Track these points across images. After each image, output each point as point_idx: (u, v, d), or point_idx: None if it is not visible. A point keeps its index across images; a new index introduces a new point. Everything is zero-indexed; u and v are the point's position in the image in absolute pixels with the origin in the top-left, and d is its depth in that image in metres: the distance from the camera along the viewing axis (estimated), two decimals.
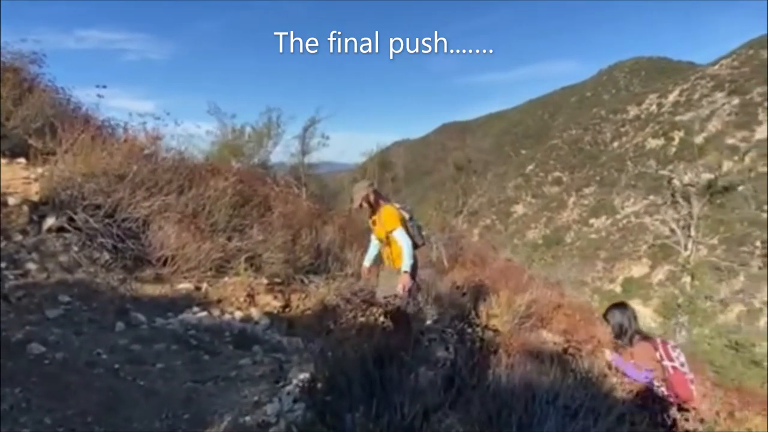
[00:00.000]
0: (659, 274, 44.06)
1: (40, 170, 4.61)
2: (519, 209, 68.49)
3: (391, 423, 2.08)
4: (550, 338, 5.68)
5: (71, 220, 4.12)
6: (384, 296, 3.88)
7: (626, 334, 3.53)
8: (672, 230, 21.24)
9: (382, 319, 3.74)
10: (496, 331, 3.02)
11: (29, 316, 3.20)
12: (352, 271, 5.62)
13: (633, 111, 71.76)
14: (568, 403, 2.16)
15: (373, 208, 4.11)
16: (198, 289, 4.51)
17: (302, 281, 5.34)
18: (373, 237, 4.33)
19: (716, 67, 64.91)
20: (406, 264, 3.85)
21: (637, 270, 47.22)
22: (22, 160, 4.92)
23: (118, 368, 2.84)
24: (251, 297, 4.69)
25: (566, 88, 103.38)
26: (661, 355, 3.40)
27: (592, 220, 59.27)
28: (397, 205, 4.18)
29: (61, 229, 4.09)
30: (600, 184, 62.84)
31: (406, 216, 4.14)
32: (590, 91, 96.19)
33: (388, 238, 4.00)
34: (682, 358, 3.43)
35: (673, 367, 3.35)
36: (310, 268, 5.51)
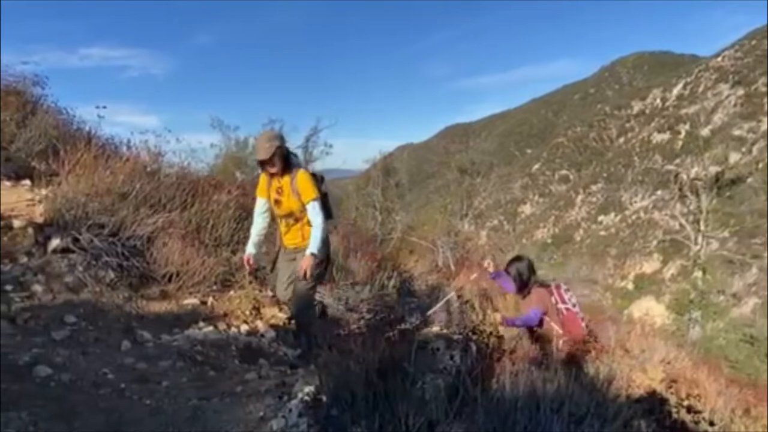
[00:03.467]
0: (671, 270, 43.60)
1: (44, 192, 4.66)
2: (526, 209, 68.16)
3: None
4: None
5: (76, 240, 4.15)
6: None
7: (526, 283, 3.92)
8: (681, 225, 21.06)
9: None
10: (500, 337, 3.00)
11: (35, 338, 3.22)
12: (356, 279, 5.61)
13: (637, 106, 71.29)
14: (573, 410, 2.13)
15: (283, 169, 3.48)
16: (204, 303, 4.53)
17: None
18: (263, 207, 3.67)
19: (719, 58, 64.30)
20: (313, 245, 3.32)
21: (649, 266, 46.74)
22: (26, 182, 4.98)
23: (124, 388, 2.85)
24: (257, 310, 4.71)
25: (569, 86, 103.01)
26: (555, 299, 3.84)
27: (600, 218, 58.87)
28: (310, 170, 3.67)
29: (66, 250, 4.12)
30: (607, 181, 62.42)
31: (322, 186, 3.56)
32: (593, 87, 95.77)
33: (302, 211, 3.47)
34: (574, 300, 3.86)
35: (566, 309, 3.79)
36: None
